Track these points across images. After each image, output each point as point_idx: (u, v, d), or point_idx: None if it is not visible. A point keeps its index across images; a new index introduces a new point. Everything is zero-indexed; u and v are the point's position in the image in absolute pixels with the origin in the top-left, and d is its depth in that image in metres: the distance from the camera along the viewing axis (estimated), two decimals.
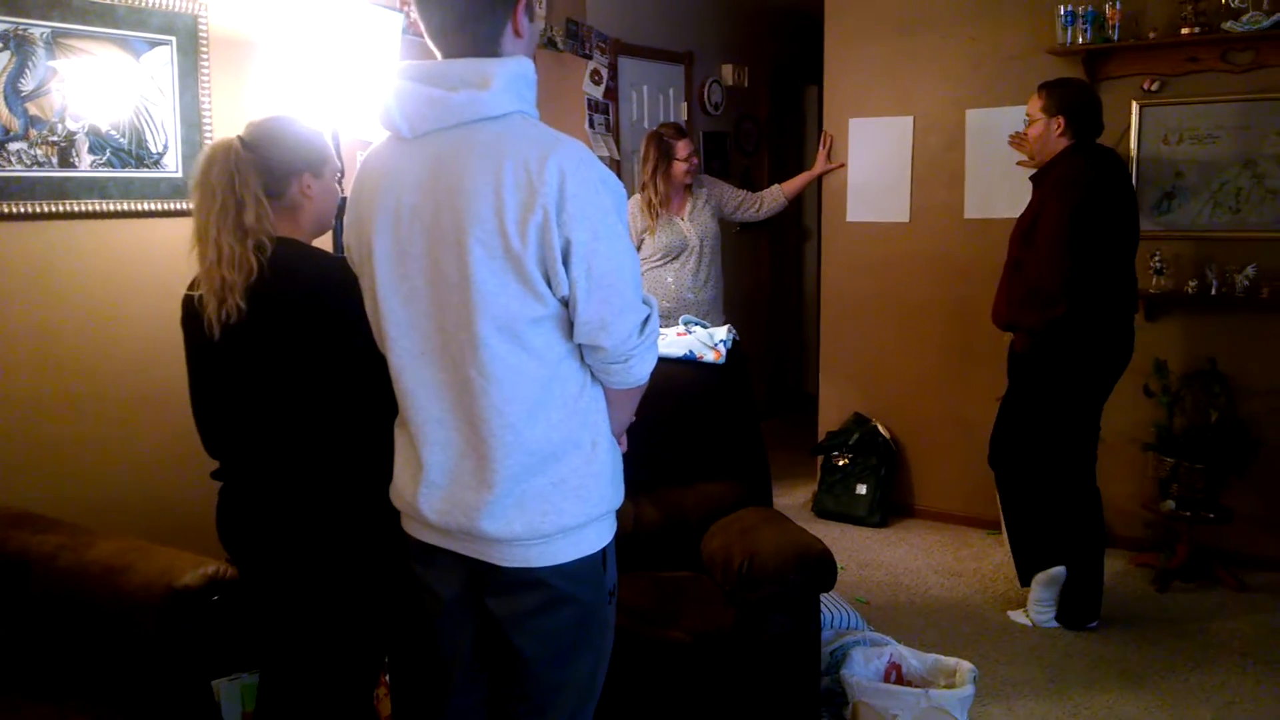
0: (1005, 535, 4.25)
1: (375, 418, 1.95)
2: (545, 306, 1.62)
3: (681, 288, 4.49)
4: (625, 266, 1.64)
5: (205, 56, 3.03)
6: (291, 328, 2.03)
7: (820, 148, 5.01)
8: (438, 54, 1.68)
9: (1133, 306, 3.55)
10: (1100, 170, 3.41)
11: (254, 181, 2.01)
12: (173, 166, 3.00)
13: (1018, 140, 4.09)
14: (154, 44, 2.93)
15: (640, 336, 1.68)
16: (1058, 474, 3.56)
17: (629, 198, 4.64)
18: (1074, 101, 3.45)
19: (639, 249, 4.53)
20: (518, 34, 1.68)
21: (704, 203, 4.58)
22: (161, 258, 2.93)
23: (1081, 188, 3.36)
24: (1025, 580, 3.69)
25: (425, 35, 1.68)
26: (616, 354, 1.67)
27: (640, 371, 1.73)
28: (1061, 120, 3.44)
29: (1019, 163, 4.23)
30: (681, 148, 4.44)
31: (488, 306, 1.60)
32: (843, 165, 4.95)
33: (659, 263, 4.49)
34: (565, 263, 1.59)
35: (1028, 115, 3.58)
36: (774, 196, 4.85)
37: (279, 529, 2.11)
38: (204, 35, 3.03)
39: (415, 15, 1.70)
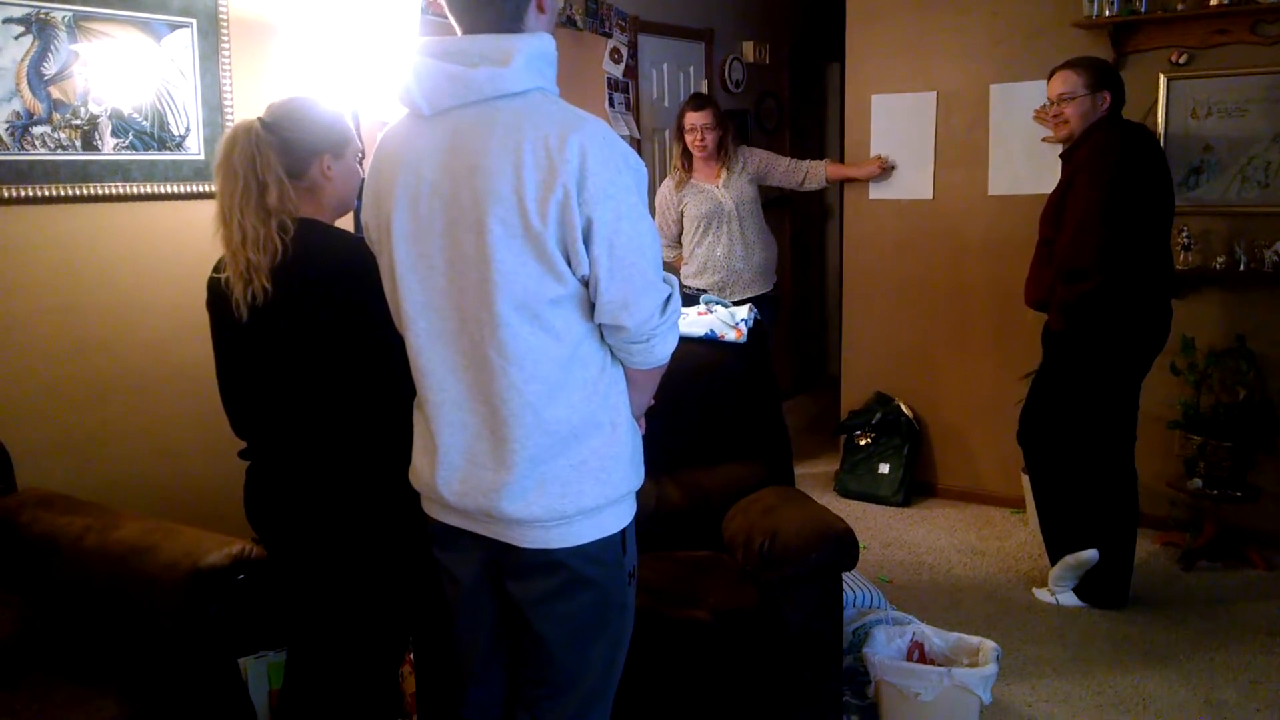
0: (1029, 513, 4.24)
1: (398, 398, 1.96)
2: (565, 286, 1.61)
3: (732, 257, 4.48)
4: (647, 246, 1.63)
5: (226, 39, 3.04)
6: (314, 308, 2.03)
7: (874, 163, 4.81)
8: (459, 29, 1.66)
9: (1170, 284, 3.50)
10: (1133, 144, 3.36)
11: (275, 162, 2.02)
12: (195, 149, 3.01)
13: (1043, 115, 4.03)
14: (175, 27, 2.93)
15: (662, 316, 1.67)
16: (1092, 454, 3.52)
17: (665, 176, 4.64)
18: (1113, 75, 3.41)
19: (681, 223, 4.54)
20: (541, 9, 1.66)
21: (740, 170, 4.55)
22: (184, 240, 2.95)
23: (1114, 161, 3.30)
24: (1056, 561, 3.65)
25: (447, 10, 1.66)
26: (638, 334, 1.66)
27: (662, 351, 1.72)
28: (1108, 95, 3.37)
29: (1045, 139, 4.18)
30: (690, 118, 4.43)
31: (507, 286, 1.59)
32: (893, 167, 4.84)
33: (702, 235, 4.48)
34: (586, 242, 1.58)
35: (1060, 93, 3.43)
36: (817, 175, 4.71)
37: (306, 508, 2.12)
38: (224, 17, 3.03)
39: None
